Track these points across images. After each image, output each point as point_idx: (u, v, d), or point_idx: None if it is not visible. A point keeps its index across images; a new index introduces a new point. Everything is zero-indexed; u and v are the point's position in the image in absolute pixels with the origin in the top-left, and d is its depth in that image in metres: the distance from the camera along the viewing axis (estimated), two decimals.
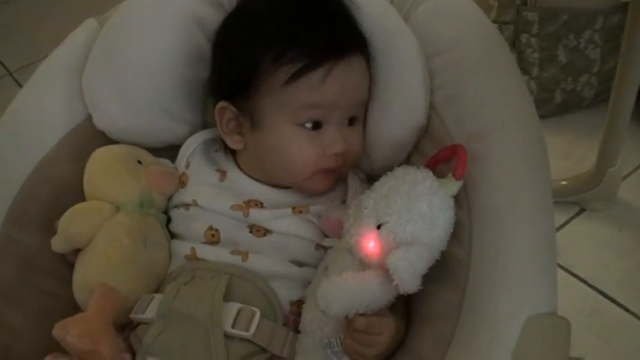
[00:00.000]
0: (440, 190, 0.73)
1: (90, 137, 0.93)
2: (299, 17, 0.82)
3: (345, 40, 0.82)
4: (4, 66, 2.10)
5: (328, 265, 0.80)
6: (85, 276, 0.83)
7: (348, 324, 0.73)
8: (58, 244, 0.83)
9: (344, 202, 0.88)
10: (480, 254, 0.72)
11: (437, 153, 0.79)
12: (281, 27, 0.82)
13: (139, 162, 0.91)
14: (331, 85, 0.80)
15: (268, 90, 0.81)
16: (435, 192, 0.73)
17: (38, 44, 1.99)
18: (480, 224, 0.74)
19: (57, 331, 0.73)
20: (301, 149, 0.82)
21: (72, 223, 0.83)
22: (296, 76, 0.79)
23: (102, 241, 0.83)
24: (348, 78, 0.82)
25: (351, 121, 0.85)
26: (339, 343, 0.75)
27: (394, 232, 0.71)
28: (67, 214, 0.84)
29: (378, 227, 0.73)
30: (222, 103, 0.86)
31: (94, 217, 0.84)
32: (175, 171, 0.93)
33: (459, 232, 0.75)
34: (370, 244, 0.73)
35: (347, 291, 0.71)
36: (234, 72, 0.85)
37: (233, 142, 0.89)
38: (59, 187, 0.90)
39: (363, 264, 0.75)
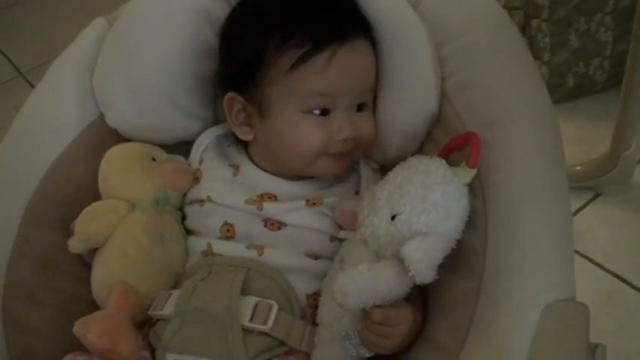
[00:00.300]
0: (454, 179, 0.73)
1: (103, 136, 0.94)
2: (301, 3, 0.83)
3: (348, 24, 0.83)
4: (15, 67, 2.11)
5: (344, 257, 0.80)
6: (103, 274, 0.83)
7: (365, 316, 0.73)
8: (75, 244, 0.83)
9: (357, 192, 0.88)
10: (496, 242, 0.72)
11: (450, 141, 0.79)
12: (283, 13, 0.82)
13: (153, 159, 0.91)
14: (336, 68, 0.80)
15: (274, 77, 0.82)
16: (448, 181, 0.73)
17: (48, 44, 2.00)
18: (495, 212, 0.73)
19: (77, 329, 0.74)
20: (309, 134, 0.83)
21: (89, 223, 0.84)
22: (300, 60, 0.79)
23: (119, 239, 0.84)
24: (354, 61, 0.82)
25: (360, 108, 0.85)
26: (356, 335, 0.75)
27: (408, 222, 0.71)
28: (83, 214, 0.85)
29: (392, 218, 0.73)
30: (230, 94, 0.87)
31: (111, 216, 0.85)
32: (189, 167, 0.94)
33: (474, 220, 0.74)
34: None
35: (363, 283, 0.71)
36: (240, 61, 0.85)
37: (243, 134, 0.89)
38: (75, 186, 0.91)
39: (378, 256, 0.75)
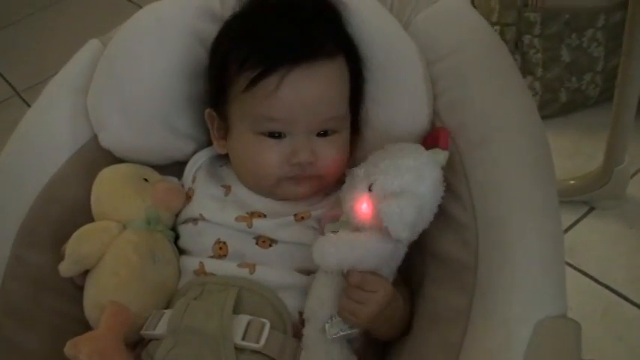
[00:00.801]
0: (426, 153, 0.77)
1: (97, 156, 0.94)
2: (266, 21, 0.82)
3: (306, 45, 0.81)
4: (11, 86, 2.12)
5: None
6: (95, 295, 0.83)
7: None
8: (67, 267, 0.83)
9: None
10: (487, 258, 0.72)
11: (421, 141, 0.82)
12: (247, 30, 0.83)
13: (145, 180, 0.91)
14: (285, 93, 0.79)
15: (233, 97, 0.83)
16: (421, 152, 0.77)
17: (44, 64, 2.00)
18: (486, 228, 0.74)
19: (68, 349, 0.73)
20: (263, 157, 0.83)
21: (81, 245, 0.84)
22: (252, 83, 0.79)
23: (111, 259, 0.84)
24: (307, 86, 0.81)
25: (325, 133, 0.85)
26: (336, 316, 0.76)
27: (384, 187, 0.73)
28: (75, 236, 0.85)
29: (370, 189, 0.75)
30: (208, 110, 0.89)
31: (103, 237, 0.85)
32: (181, 188, 0.94)
33: (465, 236, 0.75)
34: (363, 206, 0.75)
35: (341, 244, 0.74)
36: (212, 77, 0.87)
37: (219, 147, 0.91)
38: (68, 206, 0.91)
39: (358, 232, 0.76)
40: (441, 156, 0.77)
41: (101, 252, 0.84)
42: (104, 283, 0.83)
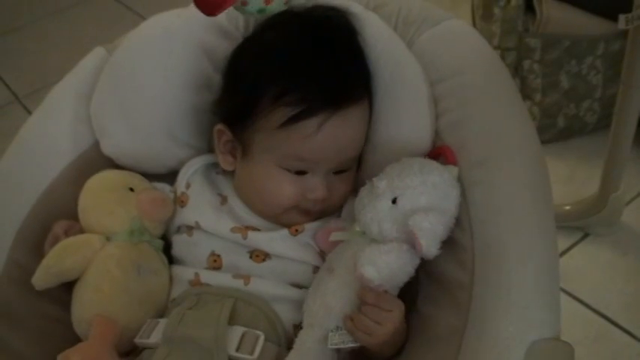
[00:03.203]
0: (446, 169, 0.77)
1: (96, 163, 0.94)
2: (305, 58, 0.82)
3: (346, 90, 0.82)
4: (12, 92, 2.12)
5: (330, 262, 0.81)
6: (80, 311, 0.83)
7: (360, 298, 0.74)
8: (45, 280, 0.82)
9: (338, 217, 0.89)
10: (482, 278, 0.73)
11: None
12: (285, 66, 0.82)
13: (131, 189, 0.90)
14: (323, 137, 0.80)
15: (263, 128, 0.82)
16: (443, 169, 0.77)
17: (45, 71, 2.01)
18: (482, 248, 0.74)
19: None
20: (281, 189, 0.84)
21: (64, 259, 0.83)
22: (290, 121, 0.80)
23: (93, 274, 0.83)
24: (343, 132, 0.82)
25: (340, 171, 0.86)
26: (341, 328, 0.75)
27: (411, 202, 0.74)
28: (57, 249, 0.84)
29: (394, 202, 0.75)
30: (220, 126, 0.88)
31: (85, 251, 0.84)
32: (168, 197, 0.92)
33: (461, 256, 0.75)
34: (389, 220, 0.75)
35: (386, 259, 0.72)
36: (237, 100, 0.86)
37: (225, 163, 0.90)
38: (66, 213, 0.90)
39: (375, 243, 0.76)
40: (455, 172, 0.78)
41: (83, 266, 0.83)
42: (88, 300, 0.82)
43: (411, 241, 0.72)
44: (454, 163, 0.79)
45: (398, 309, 0.74)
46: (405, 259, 0.73)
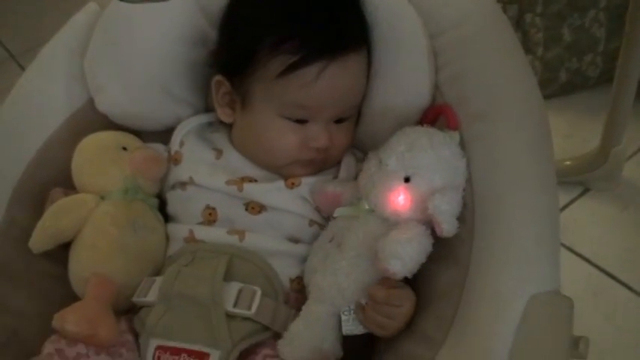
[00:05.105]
0: (452, 139, 0.76)
1: (91, 121, 0.94)
2: (302, 6, 0.82)
3: (345, 36, 0.82)
4: (7, 50, 2.10)
5: (335, 235, 0.80)
6: (77, 269, 0.83)
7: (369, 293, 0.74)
8: (42, 241, 0.83)
9: (335, 178, 0.88)
10: (482, 233, 0.72)
11: (421, 117, 0.83)
12: (282, 14, 0.82)
13: (124, 149, 0.90)
14: (323, 85, 0.80)
15: (262, 78, 0.82)
16: (449, 141, 0.76)
17: (41, 28, 1.98)
18: (482, 203, 0.74)
19: (56, 322, 0.74)
20: (283, 138, 0.84)
21: (59, 218, 0.83)
22: (288, 69, 0.79)
23: (88, 232, 0.83)
24: (343, 79, 0.82)
25: (340, 119, 0.86)
26: (351, 312, 0.75)
27: (425, 181, 0.73)
28: (52, 209, 0.84)
29: (406, 180, 0.74)
30: (219, 77, 0.88)
31: (80, 210, 0.84)
32: (161, 155, 0.92)
33: (461, 211, 0.75)
34: (400, 198, 0.74)
35: (410, 248, 0.71)
36: (234, 51, 0.85)
37: (224, 115, 0.90)
38: (60, 170, 0.90)
39: (387, 223, 0.75)
40: (457, 138, 0.77)
41: (78, 226, 0.83)
42: (85, 258, 0.83)
43: (427, 222, 0.72)
44: (455, 124, 0.77)
45: (409, 302, 0.74)
46: (426, 243, 0.72)
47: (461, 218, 0.74)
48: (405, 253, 0.70)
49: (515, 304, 0.66)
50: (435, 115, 0.81)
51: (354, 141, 0.90)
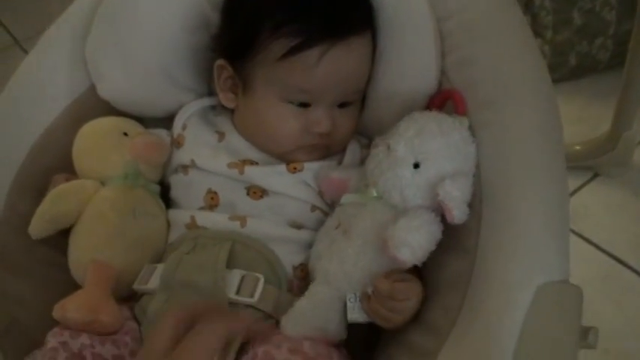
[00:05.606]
0: (462, 123, 0.75)
1: (93, 107, 0.93)
2: None
3: (348, 19, 0.81)
4: (11, 35, 2.10)
5: (342, 222, 0.79)
6: (76, 255, 0.83)
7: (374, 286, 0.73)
8: (41, 227, 0.82)
9: (339, 164, 0.88)
10: (490, 222, 0.71)
11: (429, 102, 0.81)
12: None
13: (126, 134, 0.89)
14: (325, 68, 0.79)
15: (263, 61, 0.81)
16: (458, 126, 0.75)
17: (45, 14, 1.98)
18: (490, 191, 0.73)
19: (56, 312, 0.74)
20: (286, 123, 0.83)
21: (59, 204, 0.83)
22: (290, 52, 0.78)
23: (88, 218, 0.83)
24: (345, 62, 0.81)
25: (343, 104, 0.85)
26: (357, 299, 0.74)
27: (435, 167, 0.72)
28: (51, 195, 0.83)
29: (416, 167, 0.73)
30: (221, 61, 0.87)
31: (79, 196, 0.84)
32: (163, 142, 0.92)
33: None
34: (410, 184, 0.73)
35: (419, 236, 0.70)
36: (235, 35, 0.85)
37: (226, 100, 0.89)
38: (63, 157, 0.89)
39: (395, 210, 0.74)
40: (466, 124, 0.76)
41: (78, 211, 0.83)
42: (84, 244, 0.83)
43: (437, 209, 0.71)
44: (463, 110, 0.76)
45: (415, 297, 0.73)
46: (435, 231, 0.71)
47: (469, 206, 0.73)
48: (415, 241, 0.69)
49: (523, 294, 0.65)
50: (443, 100, 0.80)
51: (359, 127, 0.90)
